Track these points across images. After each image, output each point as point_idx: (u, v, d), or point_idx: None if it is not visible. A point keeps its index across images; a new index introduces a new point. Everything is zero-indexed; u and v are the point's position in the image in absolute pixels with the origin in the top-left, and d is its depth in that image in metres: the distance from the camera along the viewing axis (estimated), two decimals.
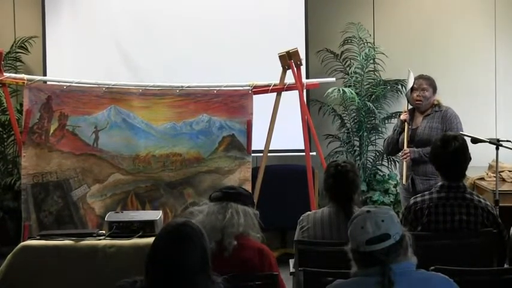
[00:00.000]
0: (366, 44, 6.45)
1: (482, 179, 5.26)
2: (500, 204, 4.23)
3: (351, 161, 4.52)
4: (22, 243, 4.10)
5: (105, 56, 6.20)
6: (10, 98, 5.33)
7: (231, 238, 2.99)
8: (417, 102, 4.99)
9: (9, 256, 4.00)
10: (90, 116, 5.08)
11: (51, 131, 5.04)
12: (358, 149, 6.47)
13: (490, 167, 5.26)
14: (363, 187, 6.23)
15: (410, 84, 5.02)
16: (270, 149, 5.07)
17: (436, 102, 5.01)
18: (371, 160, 6.47)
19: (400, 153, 5.04)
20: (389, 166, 6.42)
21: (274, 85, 5.06)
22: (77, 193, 5.01)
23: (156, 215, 4.29)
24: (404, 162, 4.90)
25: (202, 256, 2.30)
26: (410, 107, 5.09)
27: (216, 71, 5.98)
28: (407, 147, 4.92)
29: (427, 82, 4.99)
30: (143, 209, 5.00)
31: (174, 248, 2.27)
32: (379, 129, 6.45)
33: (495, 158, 4.39)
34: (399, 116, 5.24)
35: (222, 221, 3.01)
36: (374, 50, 6.42)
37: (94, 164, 5.04)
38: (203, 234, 2.35)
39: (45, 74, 6.14)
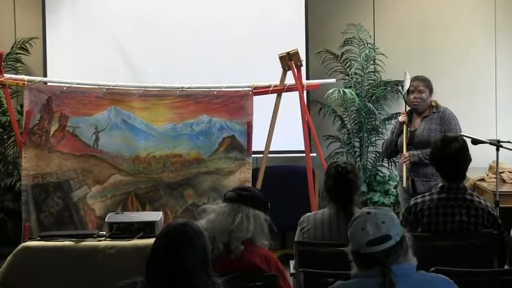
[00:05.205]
0: (366, 45, 6.46)
1: (482, 180, 5.25)
2: (501, 205, 4.23)
3: (351, 162, 4.52)
4: (22, 244, 4.11)
5: (105, 57, 6.21)
6: (10, 99, 5.33)
7: (238, 242, 2.96)
8: (414, 104, 4.99)
9: (9, 257, 4.00)
10: (91, 117, 5.08)
11: (52, 132, 5.04)
12: (358, 150, 6.47)
13: (490, 168, 5.26)
14: (363, 188, 6.23)
15: (406, 85, 5.02)
16: (270, 150, 5.07)
17: (433, 104, 5.01)
18: (371, 161, 6.47)
19: (399, 156, 5.03)
20: (390, 167, 6.42)
21: (275, 86, 5.06)
22: (77, 194, 5.01)
23: (156, 216, 4.29)
24: (404, 164, 4.90)
25: (203, 257, 2.30)
26: (408, 108, 5.09)
27: (216, 71, 5.98)
28: (407, 149, 4.92)
29: (423, 84, 4.98)
30: (143, 209, 5.00)
31: (174, 249, 2.27)
32: (380, 130, 6.45)
33: (495, 159, 4.39)
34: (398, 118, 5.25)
35: (230, 224, 2.98)
36: (374, 51, 6.42)
37: (94, 164, 5.04)
38: (204, 235, 2.35)
39: (45, 75, 6.14)
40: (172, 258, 2.26)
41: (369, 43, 6.49)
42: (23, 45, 6.51)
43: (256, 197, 3.13)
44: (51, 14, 6.28)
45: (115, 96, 5.11)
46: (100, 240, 4.07)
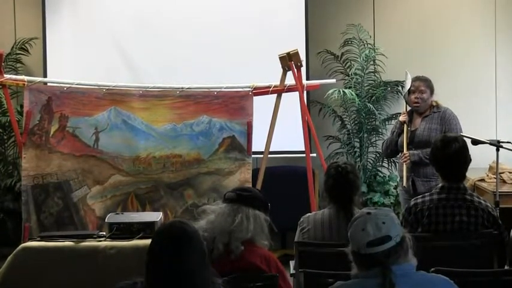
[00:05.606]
0: (366, 45, 6.46)
1: (482, 180, 5.24)
2: (501, 206, 4.23)
3: (351, 162, 4.52)
4: (22, 245, 4.11)
5: (105, 57, 6.21)
6: (10, 100, 5.34)
7: (238, 242, 2.96)
8: (415, 104, 4.98)
9: (9, 257, 4.00)
10: (91, 117, 5.08)
11: (52, 132, 5.04)
12: (358, 150, 6.47)
13: (490, 168, 5.26)
14: (363, 188, 6.23)
15: (407, 85, 5.02)
16: (271, 150, 5.07)
17: (434, 103, 5.01)
18: (371, 161, 6.47)
19: (399, 156, 5.04)
20: (390, 167, 6.42)
21: (275, 86, 5.06)
22: (77, 194, 5.01)
23: (156, 216, 4.30)
24: (404, 164, 4.90)
25: (203, 256, 2.30)
26: (408, 108, 5.09)
27: (216, 72, 5.99)
28: (407, 148, 4.92)
29: (424, 84, 4.98)
30: (143, 210, 5.00)
31: (174, 249, 2.26)
32: (380, 130, 6.45)
33: (495, 159, 4.39)
34: (398, 118, 5.25)
35: (230, 224, 2.98)
36: (374, 51, 6.43)
37: (94, 165, 5.04)
38: (200, 235, 2.36)
39: (45, 76, 6.15)
40: (173, 258, 2.26)
41: (369, 43, 6.49)
42: (23, 46, 6.51)
43: (256, 197, 3.13)
44: (51, 14, 6.28)
45: (115, 97, 5.12)
46: (100, 241, 4.07)
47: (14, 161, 6.40)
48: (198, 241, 2.30)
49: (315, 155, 5.54)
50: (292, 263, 3.60)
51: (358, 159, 6.42)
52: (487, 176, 5.28)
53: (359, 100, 6.26)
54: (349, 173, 3.49)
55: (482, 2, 6.65)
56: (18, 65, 6.54)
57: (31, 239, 4.34)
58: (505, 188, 5.06)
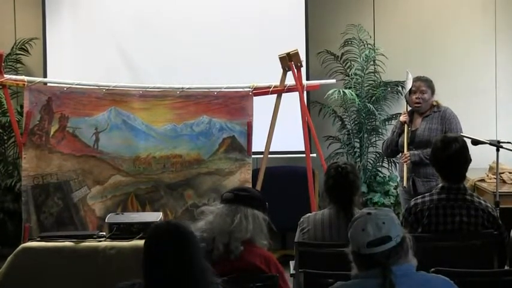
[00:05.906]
0: (366, 45, 6.46)
1: (482, 180, 5.24)
2: (501, 206, 4.23)
3: (351, 162, 4.52)
4: (23, 245, 4.11)
5: (106, 57, 6.21)
6: (10, 100, 5.34)
7: (238, 242, 2.95)
8: (416, 104, 4.98)
9: (9, 258, 4.01)
10: (91, 117, 5.08)
11: (52, 133, 5.05)
12: (358, 150, 6.47)
13: (491, 168, 5.26)
14: (363, 189, 6.23)
15: (408, 85, 5.01)
16: (271, 150, 5.07)
17: (434, 103, 5.01)
18: (371, 162, 6.47)
19: (399, 156, 5.04)
20: (390, 168, 6.42)
21: (275, 87, 5.06)
22: (77, 195, 5.01)
23: (156, 216, 4.30)
24: (404, 165, 4.90)
25: (200, 255, 2.30)
26: (409, 108, 5.09)
27: (216, 71, 5.99)
28: (407, 149, 4.92)
29: (425, 84, 4.98)
30: (143, 210, 5.00)
31: (174, 248, 2.27)
32: (380, 130, 6.45)
33: (495, 160, 4.39)
34: (399, 118, 5.25)
35: (230, 225, 2.97)
36: (374, 51, 6.42)
37: (94, 165, 5.04)
38: (195, 235, 2.36)
39: (45, 76, 6.15)
40: (172, 259, 2.25)
41: (369, 44, 6.49)
42: (23, 46, 6.51)
43: (254, 197, 3.13)
44: (51, 14, 6.28)
45: (115, 97, 5.12)
46: (100, 241, 4.07)
47: (14, 161, 6.40)
48: (195, 241, 2.31)
49: (315, 155, 5.54)
50: (292, 263, 3.60)
51: (358, 159, 6.42)
52: (487, 176, 5.28)
53: (359, 100, 6.26)
54: (349, 173, 3.49)
55: (482, 2, 6.65)
56: (18, 65, 6.54)
57: (31, 239, 4.34)
58: (505, 188, 5.05)
